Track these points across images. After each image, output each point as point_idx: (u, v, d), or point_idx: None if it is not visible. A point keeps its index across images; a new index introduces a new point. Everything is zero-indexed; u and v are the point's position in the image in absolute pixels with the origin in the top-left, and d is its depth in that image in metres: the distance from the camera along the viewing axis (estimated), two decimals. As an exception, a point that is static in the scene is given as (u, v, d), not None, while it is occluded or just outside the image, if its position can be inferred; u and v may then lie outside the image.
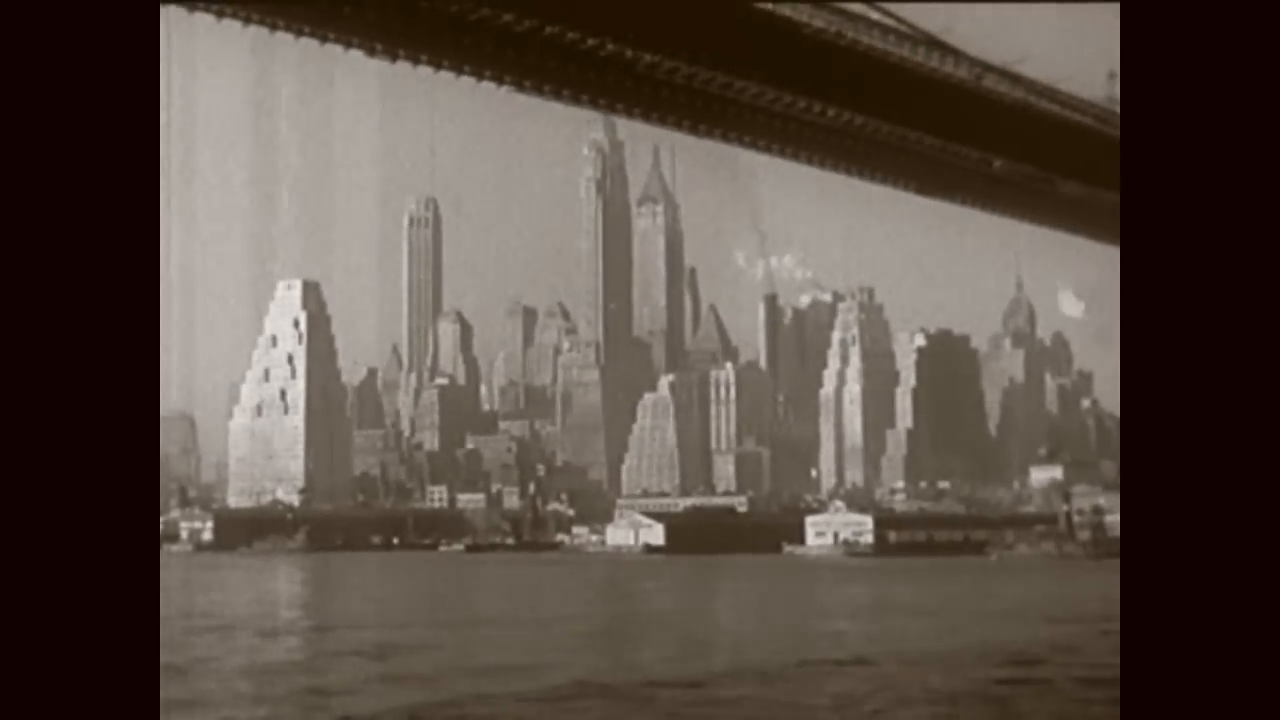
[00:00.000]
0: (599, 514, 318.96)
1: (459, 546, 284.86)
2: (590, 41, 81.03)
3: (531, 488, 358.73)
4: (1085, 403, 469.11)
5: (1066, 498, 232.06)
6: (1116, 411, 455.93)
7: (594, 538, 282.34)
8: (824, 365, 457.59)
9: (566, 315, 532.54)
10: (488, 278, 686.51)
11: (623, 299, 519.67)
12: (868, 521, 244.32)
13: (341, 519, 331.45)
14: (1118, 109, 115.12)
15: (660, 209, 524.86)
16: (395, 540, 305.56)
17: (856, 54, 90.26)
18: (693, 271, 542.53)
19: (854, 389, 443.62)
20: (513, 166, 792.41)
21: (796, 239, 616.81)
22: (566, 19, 76.23)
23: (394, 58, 76.01)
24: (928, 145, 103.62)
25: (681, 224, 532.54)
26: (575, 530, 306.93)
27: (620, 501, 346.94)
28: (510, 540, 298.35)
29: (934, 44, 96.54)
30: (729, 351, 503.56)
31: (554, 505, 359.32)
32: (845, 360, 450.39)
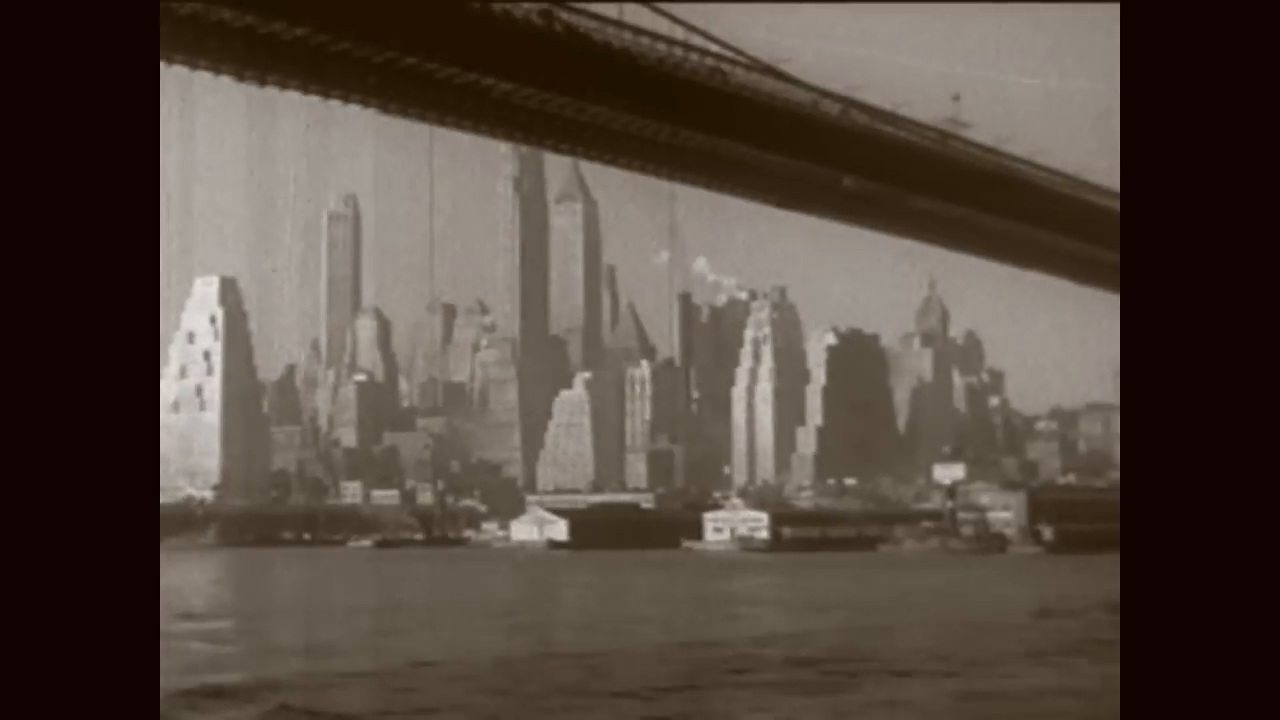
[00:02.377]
0: (512, 510, 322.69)
1: (367, 542, 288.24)
2: (489, 84, 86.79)
3: (440, 484, 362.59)
4: (995, 401, 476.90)
5: (951, 495, 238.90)
6: (1025, 410, 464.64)
7: (501, 533, 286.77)
8: (738, 363, 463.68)
9: (485, 312, 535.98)
10: (407, 274, 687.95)
11: (540, 296, 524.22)
12: (763, 518, 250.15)
13: (254, 515, 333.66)
14: (961, 129, 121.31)
15: (579, 207, 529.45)
16: (307, 536, 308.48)
17: (695, 82, 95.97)
18: (611, 269, 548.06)
19: (766, 387, 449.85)
20: (432, 163, 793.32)
21: (713, 237, 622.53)
22: (437, 57, 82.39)
23: (325, 96, 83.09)
24: (779, 164, 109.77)
25: (600, 222, 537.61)
26: (485, 526, 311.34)
27: (531, 498, 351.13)
28: (419, 536, 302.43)
29: (772, 73, 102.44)
30: (646, 349, 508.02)
31: (467, 501, 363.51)
32: (758, 359, 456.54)
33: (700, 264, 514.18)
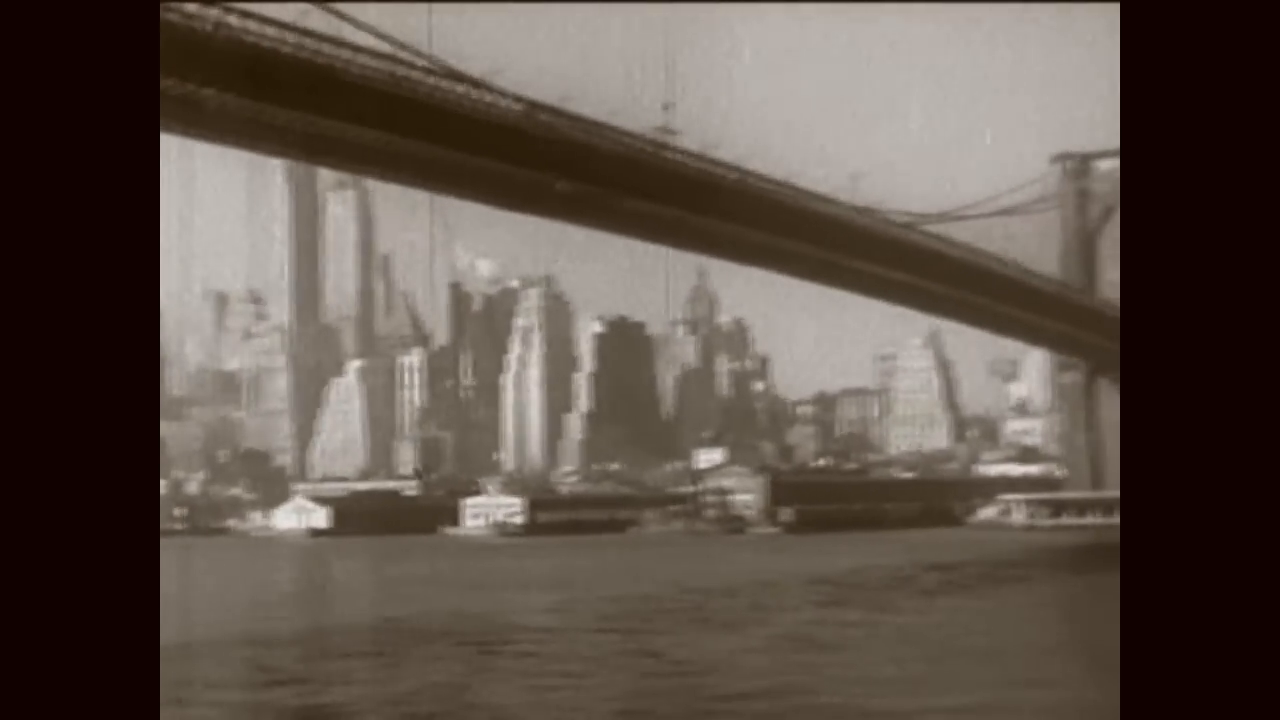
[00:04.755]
0: (282, 498, 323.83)
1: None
2: (206, 94, 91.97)
3: (203, 474, 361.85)
4: (760, 386, 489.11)
5: (696, 479, 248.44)
6: (791, 395, 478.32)
7: (264, 522, 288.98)
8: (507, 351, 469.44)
9: (257, 300, 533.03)
10: (177, 262, 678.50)
11: (313, 284, 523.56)
12: (519, 503, 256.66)
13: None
14: (670, 136, 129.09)
15: (351, 195, 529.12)
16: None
17: (399, 95, 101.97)
18: (386, 258, 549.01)
19: (534, 374, 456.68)
20: (201, 151, 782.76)
21: (484, 226, 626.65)
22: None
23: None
24: (495, 169, 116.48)
25: (374, 210, 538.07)
26: (251, 515, 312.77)
27: (300, 486, 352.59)
28: (181, 526, 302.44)
29: (482, 86, 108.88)
30: (421, 337, 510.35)
31: (234, 490, 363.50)
32: (527, 346, 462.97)
33: (458, 249, 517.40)
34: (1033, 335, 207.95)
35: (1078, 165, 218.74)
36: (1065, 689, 42.86)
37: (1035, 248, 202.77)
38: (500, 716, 39.47)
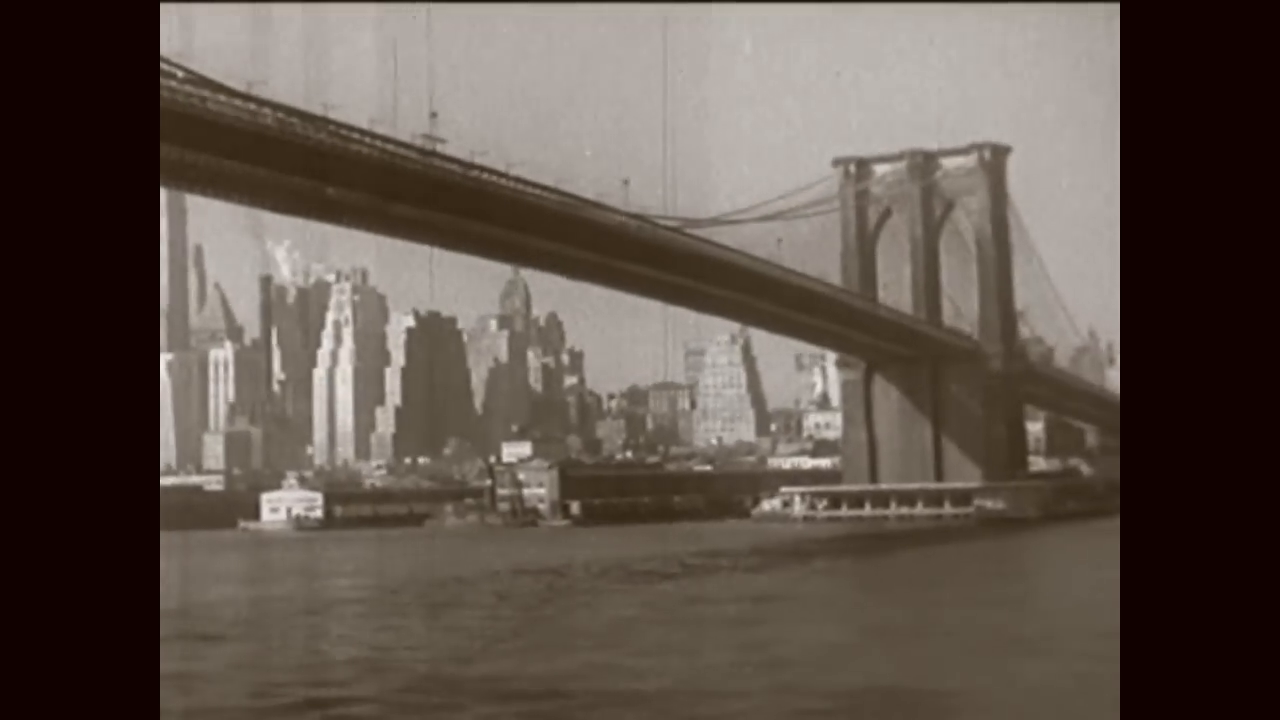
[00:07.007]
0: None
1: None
2: None
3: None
4: (572, 380, 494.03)
5: (490, 472, 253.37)
6: (606, 389, 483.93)
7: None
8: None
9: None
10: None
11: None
12: (318, 497, 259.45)
13: None
14: (436, 144, 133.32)
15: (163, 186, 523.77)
16: None
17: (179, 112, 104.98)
18: (199, 249, 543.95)
19: (346, 369, 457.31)
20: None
21: (297, 220, 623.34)
22: None
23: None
24: (265, 176, 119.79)
25: (186, 201, 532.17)
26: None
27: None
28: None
29: (240, 95, 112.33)
30: (234, 331, 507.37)
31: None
32: (339, 340, 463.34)
33: (269, 241, 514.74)
34: (812, 335, 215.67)
35: (857, 169, 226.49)
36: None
37: (817, 250, 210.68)
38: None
